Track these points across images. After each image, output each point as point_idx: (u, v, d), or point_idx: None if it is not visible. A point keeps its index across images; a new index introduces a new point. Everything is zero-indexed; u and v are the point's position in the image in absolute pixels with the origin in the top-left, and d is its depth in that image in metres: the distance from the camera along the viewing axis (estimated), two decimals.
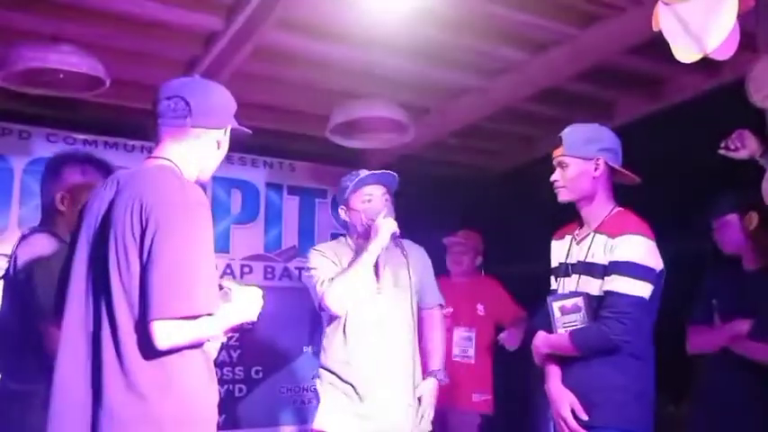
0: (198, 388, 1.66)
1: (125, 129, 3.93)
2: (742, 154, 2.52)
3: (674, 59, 1.91)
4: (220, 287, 1.79)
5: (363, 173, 2.71)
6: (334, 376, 2.62)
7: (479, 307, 3.95)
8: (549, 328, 2.34)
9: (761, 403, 2.56)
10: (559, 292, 2.36)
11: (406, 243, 2.79)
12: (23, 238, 2.32)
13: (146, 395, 1.57)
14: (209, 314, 1.61)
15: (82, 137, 3.90)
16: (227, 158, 4.38)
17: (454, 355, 3.88)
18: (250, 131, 1.98)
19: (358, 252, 2.62)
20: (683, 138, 3.49)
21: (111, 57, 3.16)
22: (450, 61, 3.46)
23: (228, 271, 4.28)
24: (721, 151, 2.58)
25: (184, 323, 1.57)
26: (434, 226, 4.24)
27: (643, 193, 3.71)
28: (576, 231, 2.40)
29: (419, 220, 4.51)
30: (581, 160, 2.29)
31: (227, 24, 3.00)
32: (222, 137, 1.85)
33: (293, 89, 3.76)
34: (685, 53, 1.85)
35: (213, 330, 1.70)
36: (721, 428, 2.66)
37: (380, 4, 2.75)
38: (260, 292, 1.82)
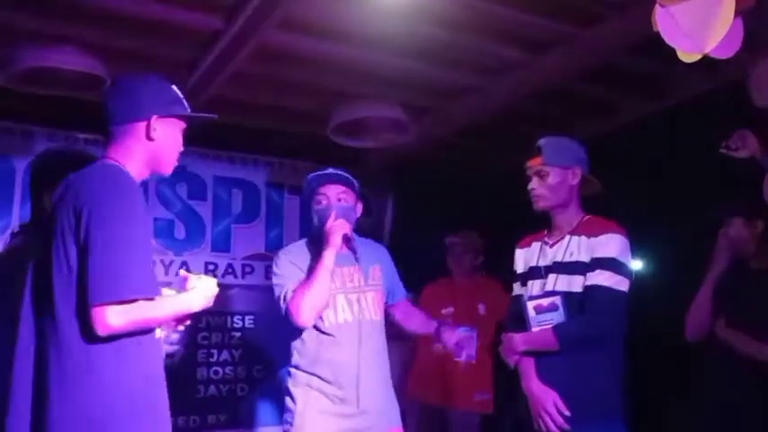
0: (137, 375, 1.69)
1: None
2: (743, 153, 2.53)
3: (675, 59, 1.92)
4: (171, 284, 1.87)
5: (325, 173, 2.65)
6: (310, 377, 2.57)
7: (480, 307, 3.95)
8: (519, 330, 2.40)
9: (763, 403, 2.56)
10: (532, 293, 2.41)
11: (368, 242, 2.80)
12: (12, 236, 2.34)
13: (87, 383, 1.62)
14: (150, 298, 1.67)
15: (83, 136, 3.91)
16: (228, 158, 4.47)
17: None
18: (212, 116, 2.05)
19: (314, 258, 2.57)
20: (683, 137, 3.49)
21: (112, 57, 3.17)
22: (451, 61, 3.46)
23: (230, 270, 4.29)
24: (722, 151, 2.59)
25: (123, 307, 1.62)
26: (435, 226, 4.24)
27: (643, 191, 3.73)
28: (546, 237, 2.47)
29: (419, 221, 4.53)
30: (560, 169, 2.39)
31: (228, 24, 3.00)
32: (150, 127, 1.84)
33: (294, 89, 3.76)
34: (686, 53, 1.86)
35: (158, 314, 1.75)
36: (724, 427, 2.66)
37: (381, 4, 2.75)
38: (214, 281, 1.90)
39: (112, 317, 1.61)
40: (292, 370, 2.64)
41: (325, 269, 2.48)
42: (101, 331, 1.61)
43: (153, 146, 1.86)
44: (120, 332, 1.64)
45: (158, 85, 1.92)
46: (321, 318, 2.57)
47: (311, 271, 2.52)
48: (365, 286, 2.66)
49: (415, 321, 2.91)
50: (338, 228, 2.51)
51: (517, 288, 2.52)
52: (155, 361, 1.78)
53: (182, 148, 1.96)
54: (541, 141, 2.44)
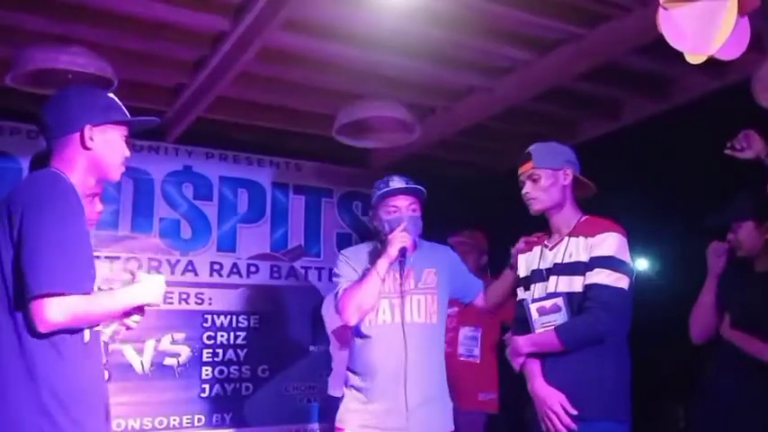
0: (70, 374, 1.72)
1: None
2: (747, 154, 2.52)
3: (681, 60, 1.92)
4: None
5: (394, 182, 2.74)
6: (355, 377, 2.71)
7: None
8: (524, 334, 2.41)
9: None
10: (535, 296, 2.42)
11: (430, 246, 2.88)
12: None
13: (8, 380, 1.66)
14: (84, 293, 1.72)
15: None
16: (234, 158, 4.49)
17: (460, 354, 3.89)
18: (154, 119, 2.07)
19: (371, 261, 2.69)
20: (688, 138, 3.49)
21: (119, 57, 3.19)
22: (456, 61, 3.47)
23: (235, 270, 4.30)
24: (727, 151, 2.58)
25: (59, 301, 1.65)
26: (439, 225, 4.24)
27: (648, 192, 3.73)
28: (546, 240, 2.50)
29: (425, 220, 4.52)
30: (551, 171, 2.42)
31: (233, 25, 3.01)
32: (83, 136, 1.89)
33: (299, 89, 3.77)
34: (693, 54, 1.86)
35: (99, 308, 1.78)
36: (730, 428, 2.66)
37: (386, 5, 2.76)
38: (163, 278, 1.94)
39: (50, 311, 1.64)
40: (347, 371, 2.78)
41: (376, 275, 2.60)
42: (40, 326, 1.65)
43: (91, 154, 1.90)
44: (61, 327, 1.68)
45: (91, 94, 1.97)
46: (362, 320, 2.68)
47: (364, 274, 2.65)
48: (414, 290, 2.72)
49: (496, 292, 2.89)
50: (399, 240, 2.61)
51: (520, 293, 2.54)
52: (91, 361, 1.81)
53: (127, 154, 1.99)
54: (531, 147, 2.48)
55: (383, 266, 2.60)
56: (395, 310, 2.69)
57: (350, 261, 2.75)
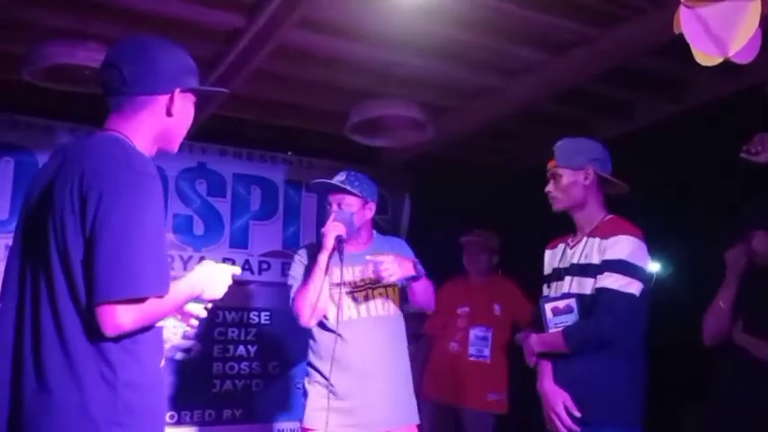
0: (143, 379, 1.51)
1: None
2: (763, 158, 2.50)
3: (695, 62, 1.91)
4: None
5: (334, 178, 2.74)
6: (319, 374, 2.70)
7: (496, 307, 3.95)
8: (539, 331, 2.42)
9: None
10: (552, 295, 2.44)
11: (385, 239, 2.89)
12: None
13: (85, 384, 1.43)
14: (160, 296, 1.48)
15: None
16: (247, 155, 4.50)
17: (470, 354, 3.90)
18: (223, 90, 1.98)
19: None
20: (703, 141, 3.47)
21: None
22: (470, 61, 3.47)
23: (247, 267, 4.32)
24: (742, 155, 2.56)
25: (133, 306, 1.43)
26: (451, 225, 4.25)
27: (661, 195, 3.70)
28: (570, 239, 2.49)
29: (436, 219, 4.53)
30: (572, 170, 2.41)
31: (248, 23, 3.03)
32: (173, 102, 1.65)
33: (313, 87, 3.79)
34: (706, 56, 1.84)
35: (166, 308, 1.54)
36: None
37: (400, 4, 2.76)
38: (225, 269, 1.71)
39: (122, 316, 1.42)
40: (307, 367, 2.77)
41: (318, 270, 2.62)
42: (109, 331, 1.42)
43: (170, 122, 1.66)
44: (130, 331, 1.46)
45: (180, 54, 1.73)
46: (326, 317, 2.69)
47: (308, 272, 2.66)
48: (374, 284, 2.74)
49: (417, 292, 2.81)
50: (330, 230, 2.62)
51: (545, 290, 2.54)
52: (159, 356, 1.62)
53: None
54: (558, 143, 2.46)
55: (323, 259, 2.61)
56: (360, 305, 2.71)
57: (303, 259, 2.77)
